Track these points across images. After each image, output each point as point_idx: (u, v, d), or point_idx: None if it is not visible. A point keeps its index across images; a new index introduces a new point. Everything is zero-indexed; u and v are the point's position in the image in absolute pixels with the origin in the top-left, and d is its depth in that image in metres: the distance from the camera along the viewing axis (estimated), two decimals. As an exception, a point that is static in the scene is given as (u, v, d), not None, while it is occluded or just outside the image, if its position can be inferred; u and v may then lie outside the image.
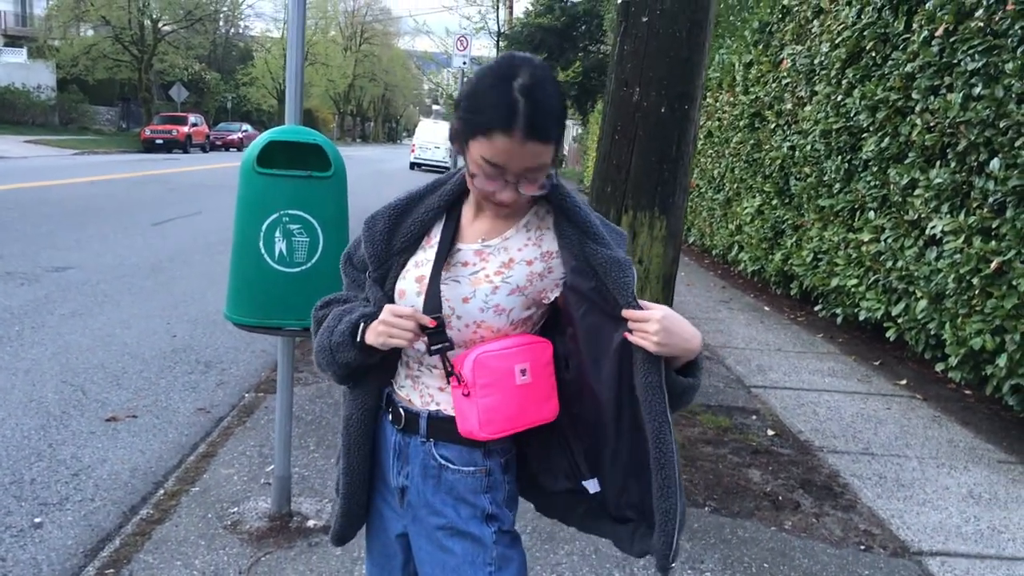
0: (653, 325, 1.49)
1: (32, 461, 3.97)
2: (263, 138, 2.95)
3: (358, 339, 1.61)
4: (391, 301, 1.65)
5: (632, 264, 1.57)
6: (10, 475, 3.80)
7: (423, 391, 1.67)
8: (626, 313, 1.53)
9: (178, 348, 5.97)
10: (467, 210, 1.67)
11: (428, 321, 1.54)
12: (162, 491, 3.68)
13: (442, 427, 1.64)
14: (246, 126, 45.54)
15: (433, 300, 1.56)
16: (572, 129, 45.45)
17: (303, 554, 3.17)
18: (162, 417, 4.68)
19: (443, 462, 1.65)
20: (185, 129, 35.58)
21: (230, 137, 41.85)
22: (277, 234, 2.86)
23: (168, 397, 5.00)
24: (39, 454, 4.06)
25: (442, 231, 1.65)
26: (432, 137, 32.98)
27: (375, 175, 27.62)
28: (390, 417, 1.71)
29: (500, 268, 1.60)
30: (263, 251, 2.88)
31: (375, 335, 1.58)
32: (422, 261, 1.64)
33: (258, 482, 3.77)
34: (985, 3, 5.06)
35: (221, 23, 54.88)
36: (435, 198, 1.67)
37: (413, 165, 33.48)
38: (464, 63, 13.21)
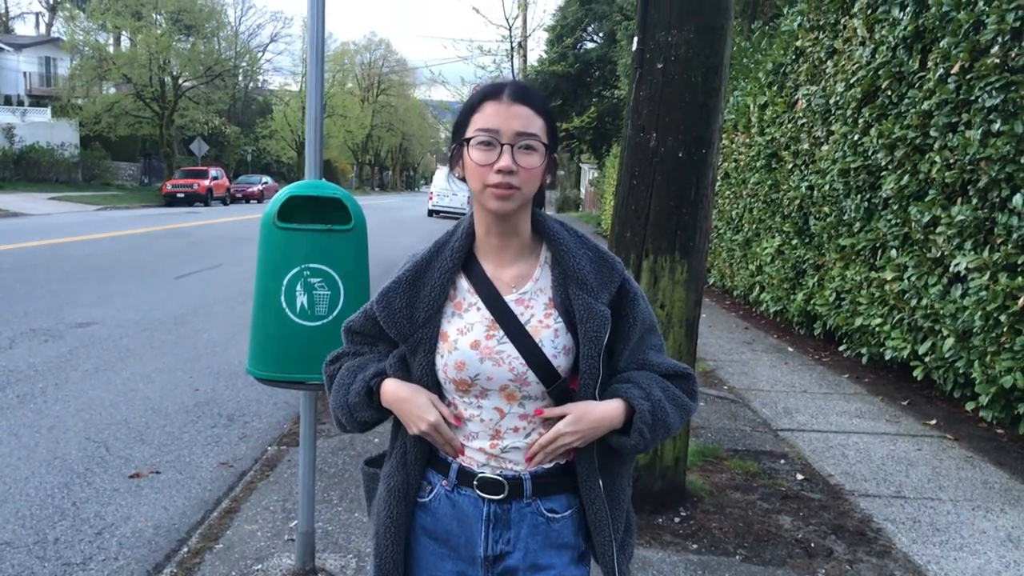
0: (562, 431, 1.57)
1: (56, 520, 3.95)
2: (283, 193, 2.96)
3: (375, 399, 1.63)
4: (431, 375, 1.62)
5: (608, 317, 1.59)
6: (34, 535, 3.79)
7: (503, 457, 1.62)
8: (547, 412, 1.59)
9: (201, 402, 5.97)
10: (485, 264, 1.64)
11: (459, 448, 1.62)
12: (186, 549, 3.65)
13: (547, 483, 1.64)
14: (266, 178, 46.11)
15: (534, 354, 1.57)
16: (588, 173, 45.68)
17: (328, 612, 3.12)
18: (185, 472, 4.67)
19: (550, 515, 1.65)
20: (206, 182, 36.09)
21: (250, 189, 42.38)
22: (298, 288, 2.87)
23: (191, 452, 4.98)
24: (63, 512, 4.04)
25: (475, 289, 1.63)
26: (449, 184, 33.27)
27: (394, 223, 27.83)
28: (477, 492, 1.62)
29: (547, 311, 1.61)
30: (284, 305, 2.88)
31: (409, 421, 1.60)
32: (466, 327, 1.60)
33: (281, 538, 3.73)
34: (1000, 40, 5.06)
35: (240, 78, 55.80)
36: (445, 260, 1.63)
37: (431, 212, 33.78)
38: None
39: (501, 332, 1.57)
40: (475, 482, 1.61)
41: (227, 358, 7.17)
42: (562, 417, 1.57)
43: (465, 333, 1.59)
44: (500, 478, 1.61)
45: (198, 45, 43.20)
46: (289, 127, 55.73)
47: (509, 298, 1.61)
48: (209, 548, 3.62)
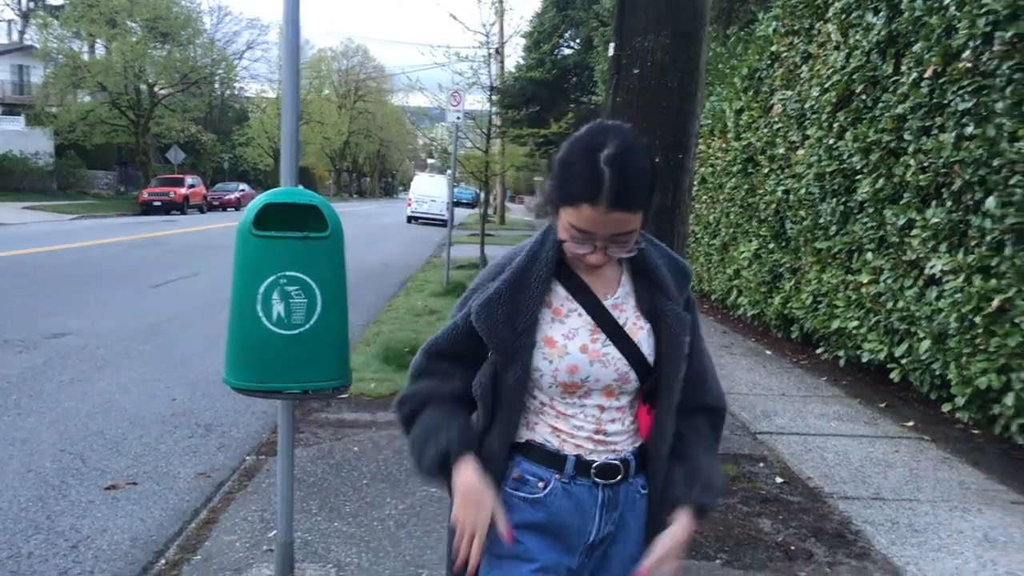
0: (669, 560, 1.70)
1: (30, 534, 3.90)
2: (259, 201, 2.94)
3: (447, 472, 1.68)
4: (527, 381, 1.67)
5: (689, 322, 1.73)
6: (7, 549, 3.73)
7: (611, 443, 1.70)
8: (645, 567, 1.69)
9: (178, 412, 5.92)
10: (578, 271, 1.70)
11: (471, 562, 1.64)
12: (163, 561, 3.61)
13: (640, 462, 1.75)
14: (243, 185, 45.82)
15: (635, 355, 1.67)
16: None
17: (308, 622, 3.09)
18: (163, 483, 4.62)
19: (642, 491, 1.77)
20: (182, 191, 35.82)
21: (227, 197, 42.09)
22: (275, 296, 2.84)
23: (168, 462, 4.94)
24: (37, 526, 3.99)
25: (573, 295, 1.69)
26: (428, 190, 33.21)
27: (373, 230, 27.74)
28: (594, 479, 1.69)
29: (636, 316, 1.71)
30: (261, 314, 2.85)
31: (463, 508, 1.64)
32: (571, 332, 1.66)
33: (260, 548, 3.70)
34: (972, 44, 5.12)
35: (217, 85, 55.46)
36: (541, 269, 1.67)
37: (410, 219, 33.68)
38: (458, 117, 13.31)
39: (603, 336, 1.66)
40: (592, 470, 1.68)
41: (204, 368, 7.11)
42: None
43: (571, 338, 1.66)
44: (616, 462, 1.69)
45: (174, 53, 42.81)
46: (266, 134, 55.41)
47: (607, 303, 1.69)
48: (187, 560, 3.58)
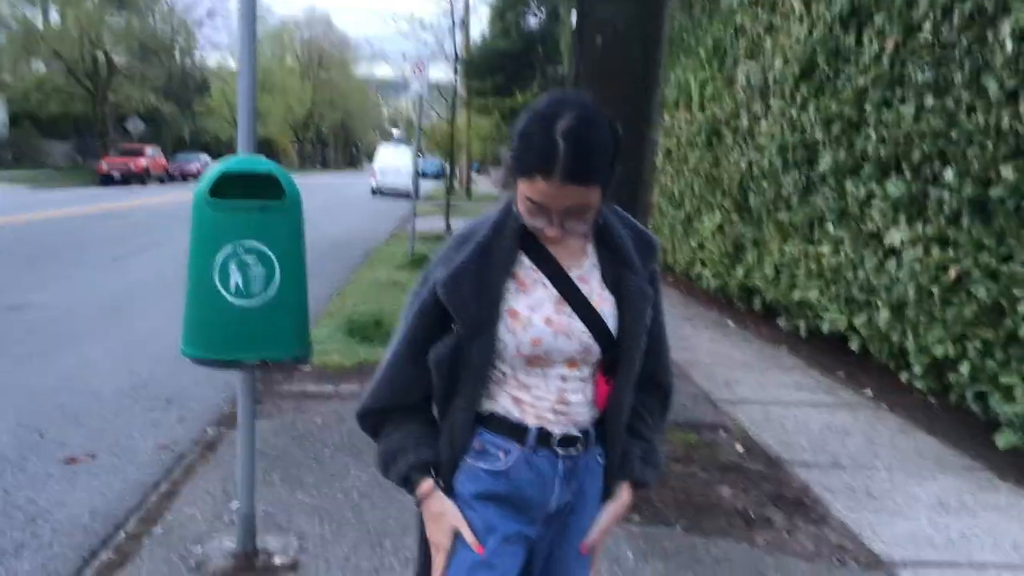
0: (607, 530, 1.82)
1: (-14, 508, 3.85)
2: (215, 170, 2.90)
3: (415, 496, 1.73)
4: (492, 354, 1.65)
5: (652, 296, 1.74)
6: (-37, 523, 3.69)
7: (572, 414, 1.70)
8: (588, 544, 1.79)
9: (138, 385, 5.85)
10: (543, 242, 1.69)
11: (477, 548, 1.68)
12: (123, 533, 3.58)
13: (598, 433, 1.77)
14: (205, 156, 45.16)
15: (599, 327, 1.66)
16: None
17: (269, 593, 3.09)
18: (123, 456, 4.57)
19: (599, 461, 1.79)
20: (143, 162, 35.27)
21: (189, 168, 41.47)
22: (232, 266, 2.81)
23: (128, 435, 4.89)
24: (-6, 500, 3.94)
25: (539, 267, 1.67)
26: (393, 162, 32.78)
27: (337, 202, 27.52)
28: (556, 449, 1.69)
29: (601, 288, 1.70)
30: (218, 284, 2.82)
31: (431, 530, 1.71)
32: (536, 304, 1.65)
33: (222, 520, 3.68)
34: (932, 17, 5.15)
35: (176, 54, 54.49)
36: (506, 240, 1.65)
37: (375, 191, 33.33)
38: (422, 87, 13.19)
39: (568, 308, 1.65)
40: (554, 441, 1.68)
41: (165, 341, 7.01)
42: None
43: (536, 310, 1.65)
44: (577, 433, 1.70)
45: (132, 20, 42.00)
46: (228, 105, 54.54)
47: (572, 275, 1.68)
48: (147, 532, 3.55)
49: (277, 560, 3.34)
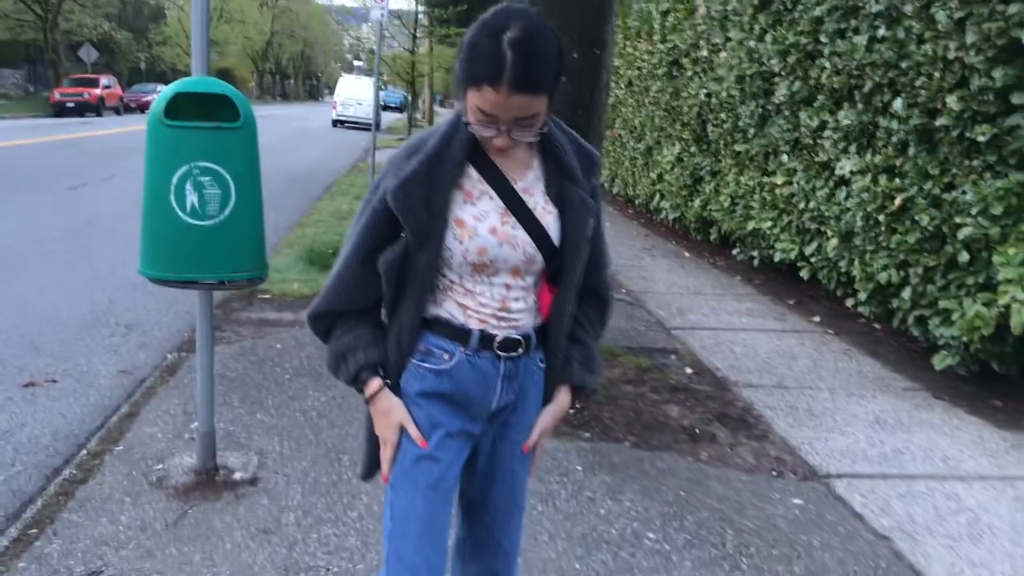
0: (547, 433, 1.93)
1: (-53, 429, 3.89)
2: (170, 90, 2.91)
3: (363, 394, 1.82)
4: (438, 261, 1.72)
5: (594, 208, 1.81)
6: (-75, 444, 3.73)
7: (514, 320, 1.78)
8: (529, 444, 1.89)
9: (98, 312, 5.86)
10: (490, 154, 1.73)
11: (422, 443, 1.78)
12: (85, 452, 3.65)
13: (539, 338, 1.84)
14: (161, 87, 43.90)
15: (542, 238, 1.73)
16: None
17: (230, 505, 3.19)
18: (83, 380, 4.62)
19: (540, 365, 1.87)
20: (97, 91, 34.37)
21: (145, 99, 40.35)
22: (188, 187, 2.84)
23: (89, 361, 4.92)
24: (-46, 422, 3.98)
25: (485, 178, 1.73)
26: (354, 93, 32.28)
27: (297, 133, 27.15)
28: (497, 352, 1.77)
29: (545, 200, 1.76)
30: (174, 204, 2.86)
31: (379, 427, 1.83)
32: (481, 214, 1.71)
33: (183, 439, 3.76)
34: (886, -54, 5.19)
35: (130, -21, 52.81)
36: (455, 151, 1.69)
37: (336, 122, 32.88)
38: (383, 15, 12.98)
39: (513, 219, 1.72)
40: (495, 344, 1.76)
41: (124, 269, 7.00)
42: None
43: (481, 220, 1.70)
44: (518, 337, 1.78)
45: (82, -58, 40.52)
46: (185, 33, 53.00)
47: (517, 187, 1.74)
48: (109, 451, 3.62)
49: (237, 475, 3.43)
